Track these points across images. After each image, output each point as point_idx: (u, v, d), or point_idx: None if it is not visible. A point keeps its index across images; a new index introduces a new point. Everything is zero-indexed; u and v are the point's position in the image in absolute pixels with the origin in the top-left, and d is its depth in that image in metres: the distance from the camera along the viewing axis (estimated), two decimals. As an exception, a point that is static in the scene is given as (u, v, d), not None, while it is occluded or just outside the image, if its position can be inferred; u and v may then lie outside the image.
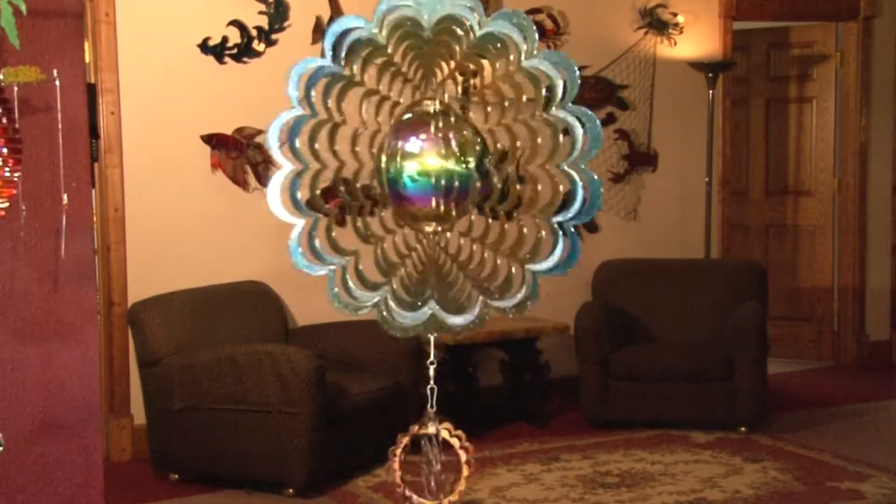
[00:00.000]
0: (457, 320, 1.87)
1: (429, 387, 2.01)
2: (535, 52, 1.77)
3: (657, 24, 6.69)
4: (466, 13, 1.75)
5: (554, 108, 1.78)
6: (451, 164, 1.77)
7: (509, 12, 1.77)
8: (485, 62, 1.82)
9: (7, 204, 2.46)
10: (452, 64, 1.84)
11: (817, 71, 7.54)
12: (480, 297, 1.88)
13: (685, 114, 6.85)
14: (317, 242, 1.89)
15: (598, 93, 6.58)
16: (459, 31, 1.78)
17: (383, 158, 1.84)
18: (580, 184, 1.79)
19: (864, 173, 7.38)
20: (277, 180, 1.85)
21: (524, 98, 1.83)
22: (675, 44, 6.74)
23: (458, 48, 1.80)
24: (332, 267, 1.89)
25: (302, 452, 4.71)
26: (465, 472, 1.95)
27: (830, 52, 7.47)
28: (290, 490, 4.79)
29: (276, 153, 1.85)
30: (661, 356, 5.90)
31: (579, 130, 1.78)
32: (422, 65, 1.85)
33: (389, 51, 1.83)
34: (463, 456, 1.94)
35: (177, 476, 5.04)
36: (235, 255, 5.67)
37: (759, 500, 4.69)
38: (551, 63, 1.76)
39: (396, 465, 1.99)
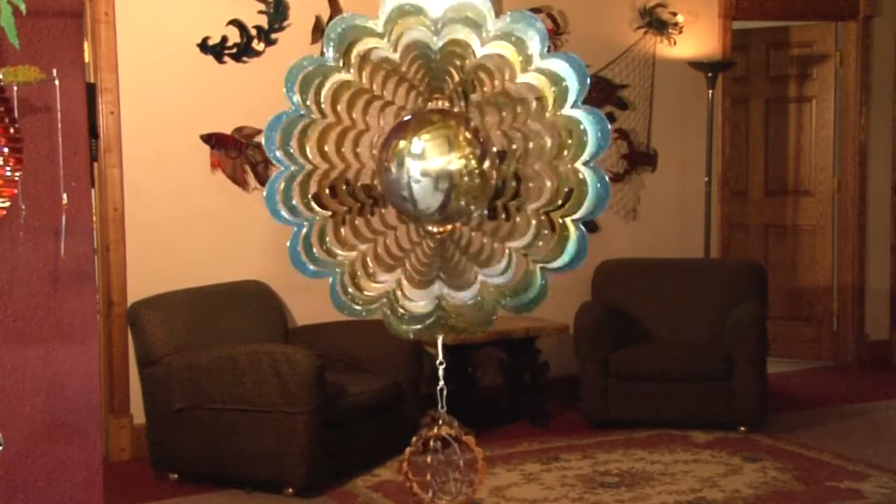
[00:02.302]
0: (462, 295, 1.88)
1: (438, 388, 2.00)
2: (546, 52, 1.78)
3: (657, 23, 6.69)
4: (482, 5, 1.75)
5: (567, 108, 1.79)
6: (452, 166, 1.76)
7: (523, 13, 1.78)
8: (493, 67, 1.82)
9: (8, 203, 2.46)
10: (457, 77, 1.84)
11: (817, 71, 7.54)
12: (480, 276, 1.88)
13: (685, 113, 6.85)
14: (328, 240, 1.89)
15: (597, 92, 6.58)
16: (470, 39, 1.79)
17: (385, 159, 1.84)
18: (596, 182, 1.80)
19: (863, 173, 7.38)
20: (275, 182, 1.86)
21: (532, 100, 1.84)
22: (675, 43, 6.74)
23: (465, 58, 1.81)
24: (336, 269, 1.89)
25: (302, 452, 4.71)
26: (483, 470, 1.95)
27: (830, 51, 7.47)
28: (290, 490, 4.79)
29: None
30: (661, 356, 5.90)
31: (591, 129, 1.79)
32: (428, 74, 1.85)
33: (398, 60, 1.83)
34: (481, 454, 1.94)
35: (176, 476, 5.04)
36: (235, 255, 5.67)
37: (759, 499, 4.69)
38: (565, 62, 1.77)
39: (406, 467, 1.99)
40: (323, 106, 1.85)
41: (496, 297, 1.87)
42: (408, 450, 2.00)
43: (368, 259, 1.92)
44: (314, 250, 1.89)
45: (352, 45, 1.81)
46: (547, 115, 1.81)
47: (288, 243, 1.89)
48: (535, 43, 1.77)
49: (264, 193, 1.88)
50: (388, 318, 1.95)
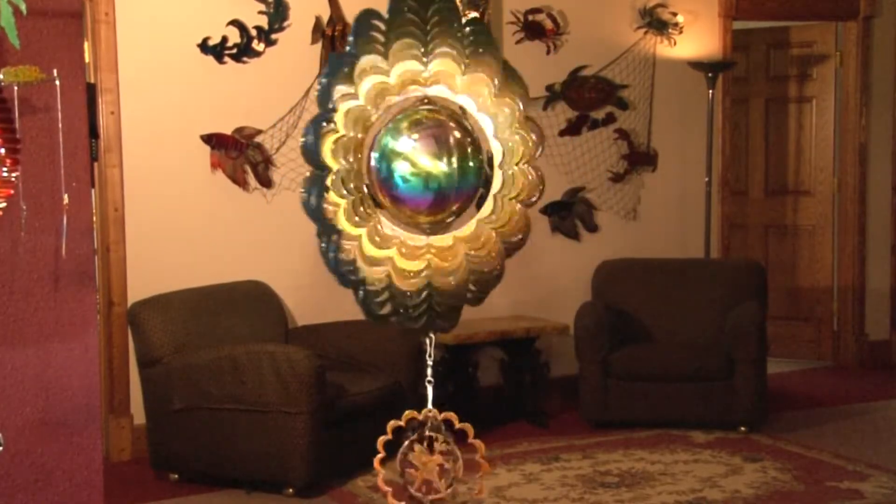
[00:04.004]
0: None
1: (427, 380, 1.99)
2: None
3: (657, 23, 6.69)
4: None
5: None
6: (442, 165, 1.75)
7: None
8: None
9: (5, 204, 2.46)
10: None
11: (817, 71, 7.54)
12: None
13: (685, 113, 6.85)
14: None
15: (597, 92, 6.58)
16: None
17: (375, 157, 1.83)
18: None
19: (863, 173, 7.38)
20: None
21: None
22: (675, 43, 6.74)
23: None
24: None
25: (302, 452, 4.71)
26: (485, 468, 1.94)
27: (830, 51, 7.47)
28: (290, 490, 4.79)
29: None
30: (661, 356, 5.90)
31: None
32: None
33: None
34: (482, 448, 1.93)
35: (176, 476, 5.04)
36: (235, 255, 5.67)
37: (759, 499, 4.69)
38: None
39: (377, 465, 1.98)
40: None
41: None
42: (381, 438, 1.98)
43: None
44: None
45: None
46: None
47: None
48: None
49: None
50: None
